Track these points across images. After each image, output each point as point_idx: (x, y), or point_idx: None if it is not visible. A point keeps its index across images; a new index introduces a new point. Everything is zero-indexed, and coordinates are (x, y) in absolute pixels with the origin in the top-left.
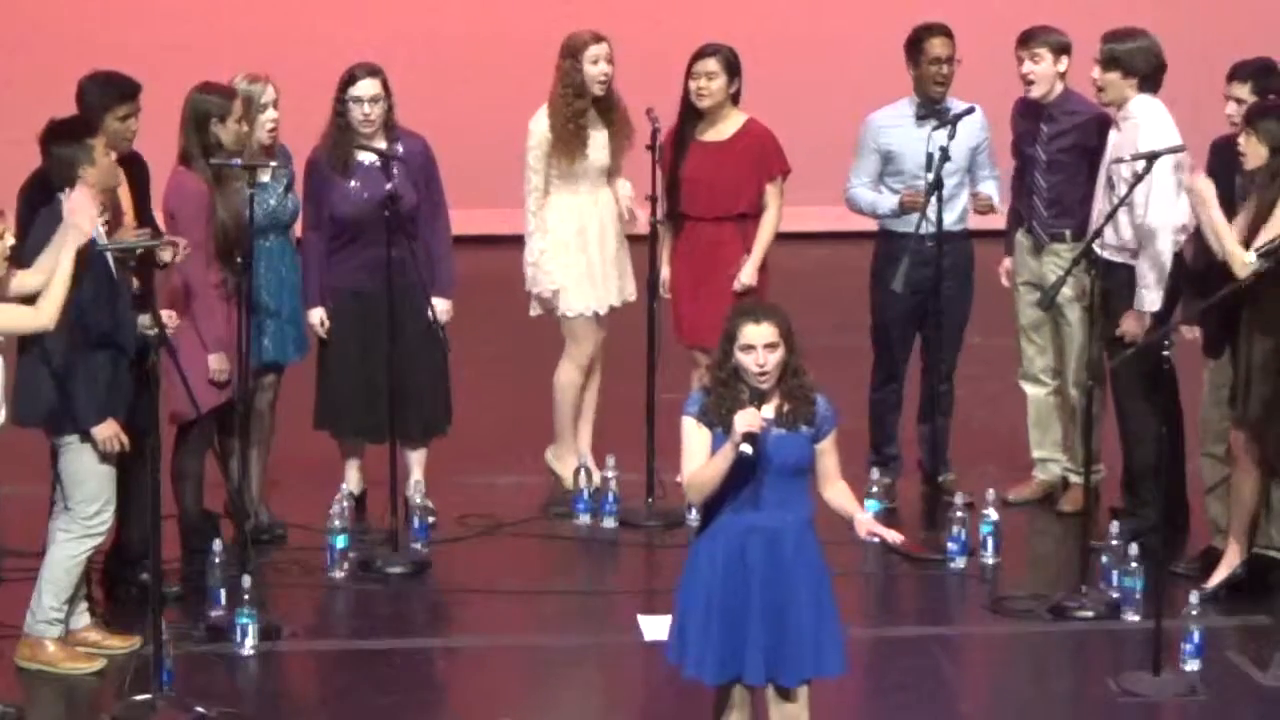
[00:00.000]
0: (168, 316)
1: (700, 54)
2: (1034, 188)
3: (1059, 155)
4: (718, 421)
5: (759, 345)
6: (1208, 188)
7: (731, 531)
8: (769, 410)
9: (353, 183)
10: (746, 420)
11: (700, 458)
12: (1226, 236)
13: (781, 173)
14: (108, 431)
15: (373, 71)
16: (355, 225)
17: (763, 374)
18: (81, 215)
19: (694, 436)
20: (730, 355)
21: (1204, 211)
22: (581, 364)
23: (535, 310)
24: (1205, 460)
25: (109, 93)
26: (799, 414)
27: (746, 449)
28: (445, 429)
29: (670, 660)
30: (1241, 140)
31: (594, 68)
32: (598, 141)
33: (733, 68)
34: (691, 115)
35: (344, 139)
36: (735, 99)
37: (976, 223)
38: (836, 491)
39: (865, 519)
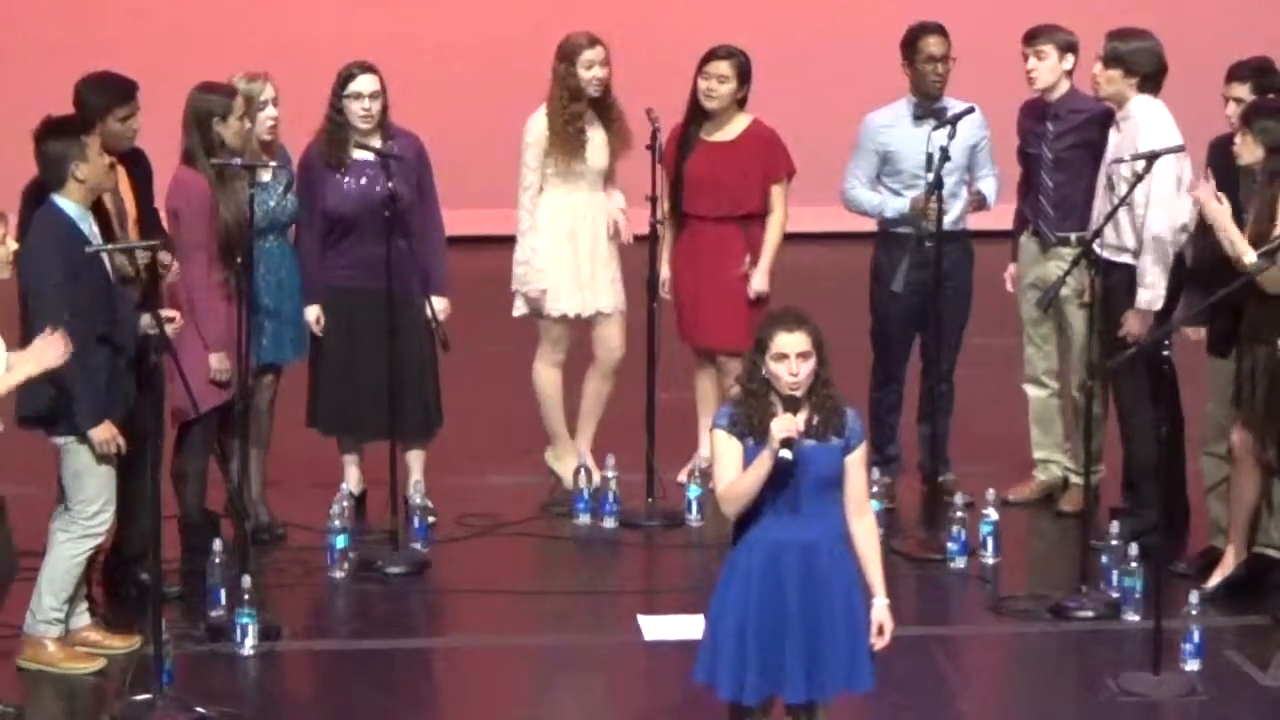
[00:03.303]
0: (171, 314)
1: (714, 55)
2: (1040, 187)
3: (1064, 153)
4: (749, 432)
5: (792, 354)
6: (1221, 214)
7: (766, 545)
8: (800, 421)
9: (347, 180)
10: (784, 426)
11: (734, 470)
12: (1244, 249)
13: (788, 174)
14: (105, 434)
15: (369, 68)
16: (347, 222)
17: (795, 384)
18: (51, 354)
19: (726, 448)
20: (761, 365)
21: (1222, 233)
22: (557, 362)
23: (520, 310)
24: (1207, 459)
25: (107, 94)
26: (829, 425)
27: (786, 454)
28: (436, 430)
29: (698, 680)
30: (1237, 138)
31: (588, 72)
32: (596, 143)
33: (744, 73)
34: (698, 114)
35: (339, 136)
36: (742, 103)
37: (976, 223)
38: (864, 535)
39: (881, 611)
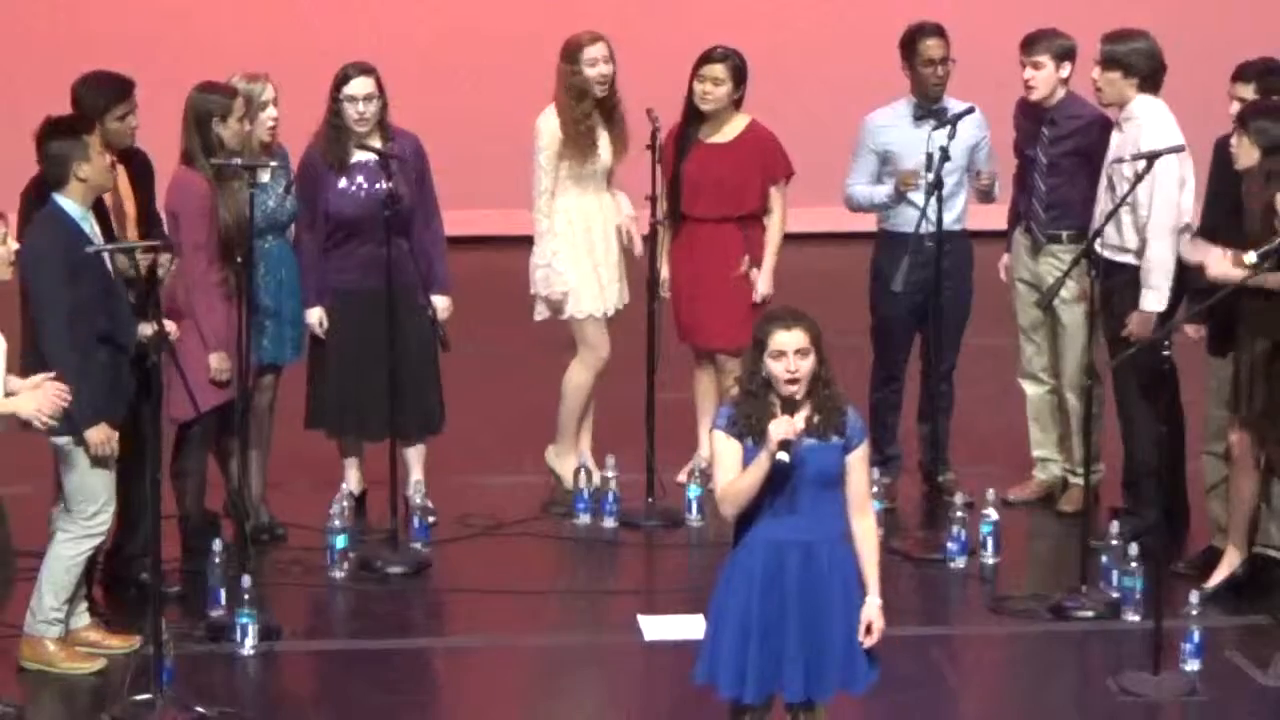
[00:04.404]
0: (170, 327)
1: (709, 58)
2: (1034, 189)
3: (1060, 158)
4: (748, 433)
5: (790, 351)
6: (1217, 264)
7: (767, 545)
8: (800, 420)
9: (347, 182)
10: (782, 428)
11: (733, 470)
12: (1230, 272)
13: (785, 175)
14: (100, 436)
15: (366, 70)
16: (350, 224)
17: (793, 381)
18: (42, 406)
19: (725, 449)
20: (760, 365)
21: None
22: (596, 367)
23: (542, 314)
24: (1207, 459)
25: (104, 94)
26: (830, 424)
27: (783, 457)
28: (438, 427)
29: (698, 680)
30: (1234, 140)
31: (593, 69)
32: (604, 142)
33: (739, 74)
34: (694, 116)
35: (339, 138)
36: (738, 104)
37: (976, 223)
38: (864, 535)
39: (872, 610)
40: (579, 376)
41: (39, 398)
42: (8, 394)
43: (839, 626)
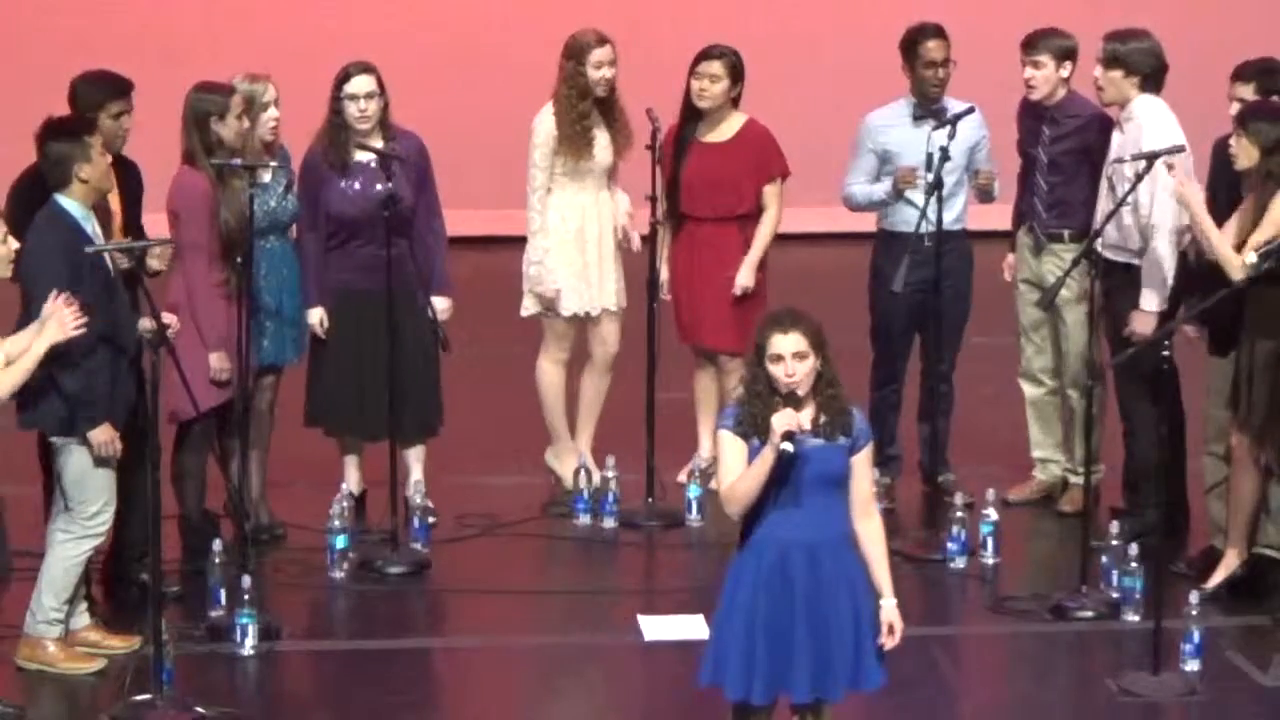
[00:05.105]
0: (169, 319)
1: (705, 55)
2: (1035, 188)
3: (1060, 157)
4: (754, 432)
5: (787, 355)
6: (1194, 194)
7: (772, 546)
8: (805, 419)
9: (350, 182)
10: (785, 420)
11: (738, 469)
12: (1218, 241)
13: (781, 174)
14: (103, 436)
15: (367, 69)
16: (352, 225)
17: (793, 384)
18: (64, 318)
19: (731, 448)
20: (762, 368)
21: (1193, 218)
22: (561, 360)
23: (531, 309)
24: (1208, 459)
25: (102, 91)
26: (835, 424)
27: (787, 447)
28: (437, 428)
29: (703, 681)
30: (1233, 141)
31: (597, 72)
32: (602, 141)
33: (736, 72)
34: (692, 115)
35: (341, 138)
36: (735, 102)
37: (976, 223)
38: (870, 537)
39: (891, 611)
40: (547, 372)
41: (55, 325)
42: (8, 361)
43: (846, 627)
